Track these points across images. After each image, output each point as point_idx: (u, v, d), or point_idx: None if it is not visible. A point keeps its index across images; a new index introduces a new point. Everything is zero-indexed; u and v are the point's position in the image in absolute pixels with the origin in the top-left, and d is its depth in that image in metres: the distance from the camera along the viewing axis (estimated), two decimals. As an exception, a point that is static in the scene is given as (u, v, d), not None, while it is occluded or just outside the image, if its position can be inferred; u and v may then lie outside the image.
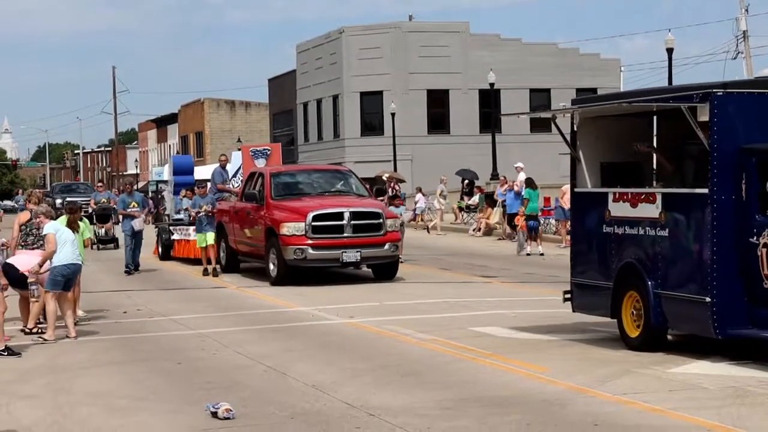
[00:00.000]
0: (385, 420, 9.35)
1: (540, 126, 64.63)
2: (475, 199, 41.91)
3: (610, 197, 13.32)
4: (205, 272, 23.48)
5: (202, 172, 36.12)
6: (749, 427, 8.80)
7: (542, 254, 27.60)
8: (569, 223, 31.10)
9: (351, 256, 20.99)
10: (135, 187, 28.65)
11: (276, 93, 78.88)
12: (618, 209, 13.18)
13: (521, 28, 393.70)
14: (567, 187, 32.96)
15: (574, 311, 14.14)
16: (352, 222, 21.10)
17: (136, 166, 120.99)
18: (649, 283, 12.49)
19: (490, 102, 55.65)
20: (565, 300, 14.27)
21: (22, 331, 15.31)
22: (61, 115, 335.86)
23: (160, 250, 28.81)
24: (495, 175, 43.31)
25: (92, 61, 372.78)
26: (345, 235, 21.07)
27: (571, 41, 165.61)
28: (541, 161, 57.27)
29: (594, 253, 13.76)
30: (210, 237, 23.48)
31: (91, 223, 33.33)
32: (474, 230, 37.99)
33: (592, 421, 9.16)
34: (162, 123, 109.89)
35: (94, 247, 32.06)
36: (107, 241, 33.51)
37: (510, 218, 34.25)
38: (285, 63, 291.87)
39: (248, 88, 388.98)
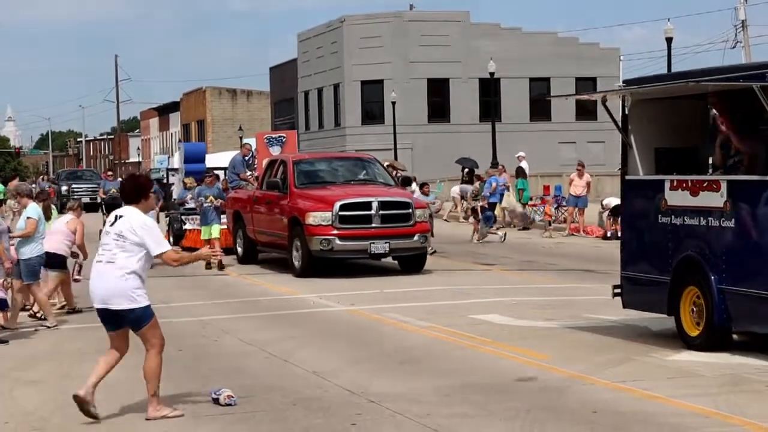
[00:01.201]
0: (385, 406, 9.42)
1: (540, 115, 64.74)
2: (476, 187, 41.92)
3: (667, 185, 12.37)
4: (208, 266, 22.00)
5: (213, 160, 34.53)
6: (747, 414, 8.87)
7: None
8: (576, 210, 31.64)
9: (379, 247, 20.28)
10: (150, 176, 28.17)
11: (277, 82, 78.86)
12: (676, 198, 12.23)
13: (521, 17, 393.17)
14: (574, 175, 33.14)
15: (624, 307, 13.25)
16: (381, 212, 20.42)
17: (139, 154, 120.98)
18: (712, 277, 11.54)
19: (490, 91, 55.65)
20: (615, 295, 13.31)
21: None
22: (64, 103, 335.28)
23: (170, 239, 27.77)
24: (495, 164, 43.29)
25: (95, 49, 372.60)
26: (373, 225, 20.39)
27: (571, 31, 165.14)
28: (541, 150, 57.37)
29: (648, 245, 12.80)
30: (215, 230, 22.62)
31: (101, 212, 33.24)
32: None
33: (591, 408, 9.23)
34: (164, 111, 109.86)
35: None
36: None
37: (491, 207, 34.80)
38: (286, 52, 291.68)
39: (250, 77, 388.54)
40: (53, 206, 17.98)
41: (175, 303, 17.19)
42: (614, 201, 30.38)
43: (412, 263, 21.21)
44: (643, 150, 12.99)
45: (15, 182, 41.45)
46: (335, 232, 20.18)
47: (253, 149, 28.34)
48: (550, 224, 31.67)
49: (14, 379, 11.16)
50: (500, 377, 10.69)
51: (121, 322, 9.26)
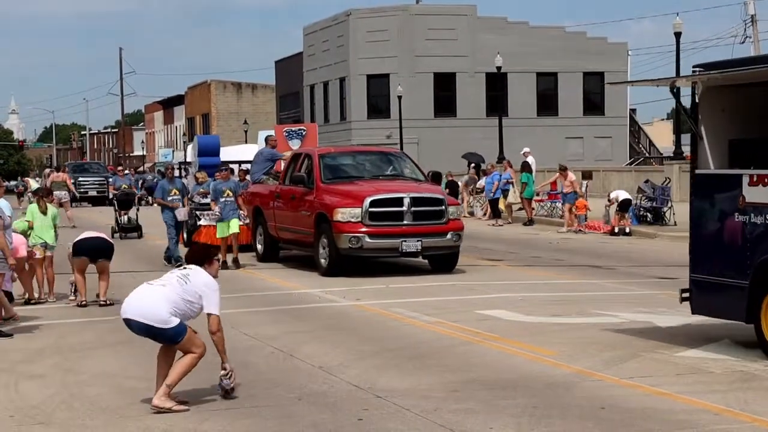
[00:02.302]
0: (391, 402, 9.36)
1: (546, 110, 64.66)
2: (481, 182, 41.88)
3: (746, 180, 11.33)
4: (225, 265, 20.17)
5: (229, 153, 32.65)
6: (756, 411, 8.81)
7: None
8: (572, 207, 31.56)
9: (411, 245, 19.40)
10: (176, 172, 26.31)
11: (283, 75, 78.83)
12: (756, 194, 11.20)
13: (528, 11, 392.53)
14: (570, 172, 33.09)
15: (693, 313, 12.23)
16: (413, 208, 19.50)
17: (143, 148, 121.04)
18: None
19: (496, 85, 55.58)
20: (683, 300, 12.25)
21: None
22: (68, 96, 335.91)
23: (184, 235, 26.35)
24: (501, 159, 43.25)
25: (99, 43, 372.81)
26: (405, 222, 19.49)
27: (579, 25, 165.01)
28: (547, 145, 57.31)
29: (722, 245, 11.75)
30: (234, 225, 21.51)
31: (114, 208, 31.45)
32: (483, 214, 38.00)
33: (599, 404, 9.17)
34: (168, 104, 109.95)
35: (116, 235, 29.73)
36: (130, 229, 30.72)
37: (495, 202, 35.08)
38: (292, 45, 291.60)
39: (255, 70, 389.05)
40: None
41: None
42: (622, 194, 30.34)
43: (443, 263, 20.35)
44: (715, 142, 12.10)
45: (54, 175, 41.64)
46: (365, 229, 19.28)
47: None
48: (580, 219, 31.54)
49: (19, 373, 11.12)
50: (507, 373, 10.63)
51: (156, 338, 9.50)
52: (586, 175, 39.01)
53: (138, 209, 30.92)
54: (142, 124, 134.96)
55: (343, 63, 64.24)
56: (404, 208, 19.49)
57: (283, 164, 24.41)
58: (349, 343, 12.71)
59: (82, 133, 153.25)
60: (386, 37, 62.56)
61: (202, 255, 9.81)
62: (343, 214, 19.35)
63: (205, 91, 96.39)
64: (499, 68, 51.64)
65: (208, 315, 9.49)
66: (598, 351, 11.75)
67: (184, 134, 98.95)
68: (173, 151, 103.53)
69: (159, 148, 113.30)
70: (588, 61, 64.21)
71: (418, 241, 19.45)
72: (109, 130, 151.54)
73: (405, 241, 19.38)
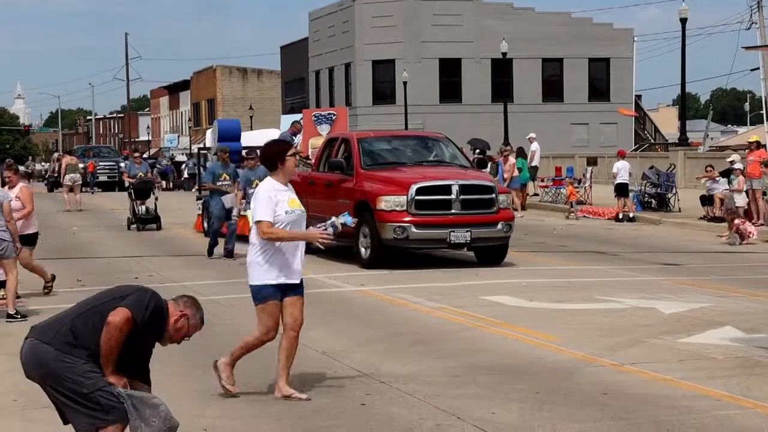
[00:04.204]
0: (395, 387, 9.39)
1: (552, 96, 64.56)
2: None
3: None
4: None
5: (250, 139, 30.54)
6: (758, 397, 8.83)
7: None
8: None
9: (460, 236, 18.26)
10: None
11: (288, 61, 78.78)
12: None
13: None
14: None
15: None
16: (461, 197, 18.37)
17: (148, 133, 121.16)
18: None
19: (502, 71, 55.51)
20: None
21: None
22: (74, 81, 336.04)
23: (205, 224, 25.11)
24: (506, 145, 43.22)
25: (105, 28, 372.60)
26: (453, 211, 18.36)
27: (584, 11, 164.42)
28: (552, 131, 57.26)
29: None
30: None
31: (130, 198, 28.85)
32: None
33: (601, 390, 9.19)
34: (174, 90, 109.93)
35: (133, 227, 28.19)
36: (148, 220, 28.49)
37: None
38: (298, 31, 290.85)
39: (261, 56, 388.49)
40: None
41: (186, 282, 17.17)
42: (624, 171, 30.06)
43: (492, 255, 19.16)
44: None
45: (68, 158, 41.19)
46: (410, 218, 18.13)
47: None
48: (572, 206, 31.61)
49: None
50: (510, 359, 10.66)
51: None
52: (591, 162, 39.04)
53: (157, 198, 29.11)
54: (147, 109, 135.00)
55: (348, 49, 64.15)
56: (452, 197, 18.37)
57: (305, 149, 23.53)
58: (353, 328, 12.74)
59: (88, 118, 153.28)
60: (392, 22, 62.44)
61: (268, 160, 9.03)
62: (387, 203, 18.23)
63: (211, 77, 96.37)
64: (504, 54, 51.56)
65: (255, 225, 8.88)
66: (601, 337, 11.77)
67: (189, 119, 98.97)
68: (179, 137, 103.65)
69: (164, 133, 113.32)
70: (594, 47, 64.07)
71: (467, 231, 18.32)
72: (114, 115, 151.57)
73: (453, 231, 18.25)
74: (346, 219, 9.16)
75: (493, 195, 18.81)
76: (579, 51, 63.82)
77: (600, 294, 15.13)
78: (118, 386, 6.30)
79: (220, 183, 20.99)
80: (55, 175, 55.50)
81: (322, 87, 69.62)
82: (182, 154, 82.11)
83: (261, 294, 8.92)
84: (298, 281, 9.04)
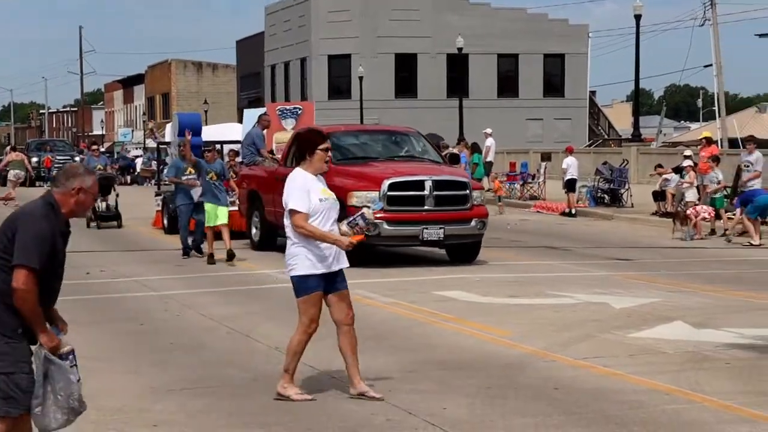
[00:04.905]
0: (347, 382, 9.37)
1: (507, 91, 64.82)
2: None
3: None
4: (211, 260, 18.73)
5: (212, 133, 29.86)
6: (706, 391, 8.92)
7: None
8: None
9: (433, 233, 17.85)
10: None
11: (244, 55, 78.51)
12: None
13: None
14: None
15: None
16: (435, 193, 17.94)
17: (102, 127, 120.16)
18: None
19: (457, 67, 55.64)
20: None
21: None
22: (27, 75, 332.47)
23: (165, 221, 24.77)
24: (461, 140, 43.33)
25: (58, 20, 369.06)
26: (426, 208, 17.92)
27: (540, 7, 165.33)
28: (507, 126, 57.47)
29: None
30: (223, 214, 18.94)
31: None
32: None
33: (553, 385, 9.24)
34: (128, 84, 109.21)
35: (93, 224, 27.12)
36: (109, 218, 27.41)
37: None
38: (253, 25, 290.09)
39: (216, 50, 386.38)
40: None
41: (137, 277, 17.08)
42: (572, 168, 30.52)
43: (464, 253, 18.78)
44: None
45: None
46: (382, 214, 17.43)
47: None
48: (500, 200, 31.88)
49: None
50: (462, 354, 10.69)
51: None
52: (545, 157, 39.21)
53: (118, 194, 28.06)
54: (101, 103, 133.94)
55: (304, 43, 64.03)
56: (426, 192, 17.92)
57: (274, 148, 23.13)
58: (306, 323, 12.69)
59: (41, 112, 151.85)
60: (348, 17, 62.40)
61: (304, 143, 8.85)
62: (358, 198, 17.43)
63: (166, 71, 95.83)
64: (460, 49, 51.68)
65: (289, 214, 8.74)
66: (553, 332, 11.84)
67: (144, 114, 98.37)
68: (133, 131, 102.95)
69: (118, 127, 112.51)
70: (549, 42, 64.40)
71: (440, 228, 17.89)
72: (68, 109, 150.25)
73: (426, 228, 17.84)
74: (375, 204, 9.00)
75: (467, 191, 18.42)
76: (534, 47, 64.11)
77: (552, 289, 15.22)
78: (47, 347, 6.03)
79: (185, 177, 20.22)
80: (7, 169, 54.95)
81: (277, 81, 69.43)
82: (136, 148, 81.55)
83: (305, 285, 8.76)
84: (344, 266, 8.95)
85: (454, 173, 19.19)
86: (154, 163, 63.06)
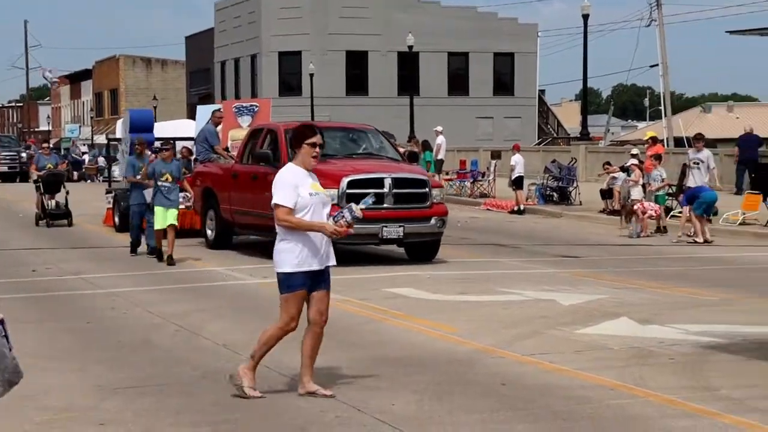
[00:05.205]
0: (296, 380, 9.37)
1: (457, 89, 65.05)
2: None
3: None
4: (170, 261, 18.29)
5: (164, 129, 29.14)
6: (651, 386, 9.03)
7: None
8: None
9: (392, 231, 17.64)
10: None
11: (193, 51, 78.10)
12: None
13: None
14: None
15: None
16: (394, 190, 17.76)
17: (49, 123, 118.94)
18: None
19: (408, 64, 55.74)
20: None
21: None
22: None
23: (116, 219, 24.52)
24: (411, 138, 43.43)
25: (3, 14, 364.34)
26: (385, 206, 17.63)
27: (490, 6, 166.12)
28: (457, 124, 57.68)
29: None
30: (171, 216, 18.48)
31: (38, 192, 26.88)
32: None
33: (500, 381, 9.31)
34: (75, 79, 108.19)
35: (42, 222, 26.74)
36: (59, 216, 26.75)
37: None
38: (203, 21, 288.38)
39: (165, 46, 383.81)
40: None
41: (84, 275, 16.97)
42: (519, 165, 30.97)
43: (423, 252, 18.63)
44: None
45: None
46: None
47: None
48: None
49: None
50: (411, 350, 10.73)
51: None
52: (495, 155, 39.41)
53: (68, 192, 27.39)
54: (48, 98, 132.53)
55: (254, 40, 63.82)
56: (385, 190, 17.68)
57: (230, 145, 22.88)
58: (255, 321, 12.67)
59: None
60: (299, 14, 62.29)
61: (294, 137, 8.76)
62: None
63: (114, 66, 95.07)
64: (410, 47, 51.79)
65: (273, 207, 8.62)
66: (501, 328, 11.92)
67: (91, 109, 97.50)
68: (80, 127, 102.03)
69: (65, 123, 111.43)
70: (499, 41, 64.72)
71: (399, 226, 17.71)
72: (13, 104, 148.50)
73: (386, 226, 17.58)
74: (366, 201, 8.93)
75: (427, 189, 18.29)
76: (484, 45, 64.41)
77: (501, 286, 15.32)
78: None
79: (140, 176, 19.66)
80: None
81: (227, 78, 69.14)
82: (84, 144, 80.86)
83: (289, 282, 8.69)
84: (327, 265, 8.88)
85: (414, 171, 19.06)
86: (100, 159, 62.90)
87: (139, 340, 11.49)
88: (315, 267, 8.74)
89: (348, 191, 17.35)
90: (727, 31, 34.18)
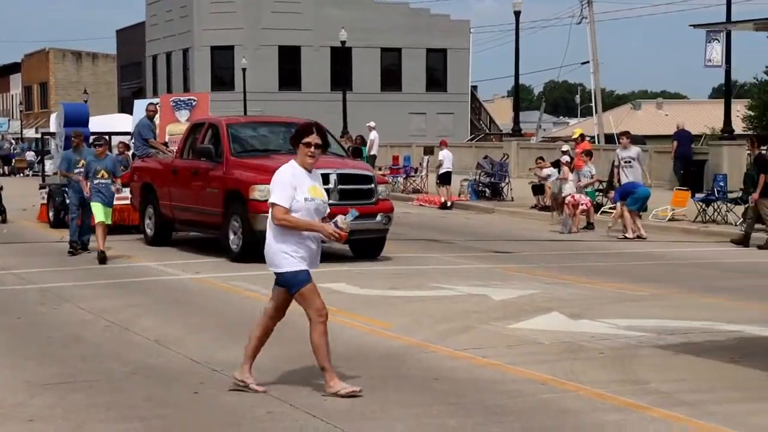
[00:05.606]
0: (228, 375, 9.33)
1: (390, 85, 65.15)
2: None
3: None
4: (97, 256, 17.81)
5: (99, 124, 28.49)
6: (581, 380, 9.13)
7: None
8: None
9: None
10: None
11: (124, 45, 77.34)
12: None
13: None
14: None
15: None
16: (339, 187, 17.52)
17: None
18: None
19: (340, 60, 55.71)
20: None
21: None
22: None
23: (50, 215, 24.13)
24: (345, 133, 43.43)
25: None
26: (330, 202, 17.85)
27: (422, 2, 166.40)
28: (390, 120, 57.77)
29: None
30: (107, 213, 18.22)
31: None
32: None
33: (433, 375, 9.35)
34: (4, 72, 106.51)
35: None
36: None
37: None
38: (134, 15, 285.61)
39: (96, 39, 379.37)
40: None
41: (14, 270, 16.74)
42: (447, 161, 31.29)
43: (369, 248, 18.34)
44: None
45: None
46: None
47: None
48: None
49: None
50: (344, 346, 10.72)
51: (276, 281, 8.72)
52: (428, 151, 39.54)
53: (2, 188, 26.51)
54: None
55: (187, 34, 63.36)
56: (330, 186, 17.08)
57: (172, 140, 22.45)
58: (187, 316, 12.63)
59: None
60: (231, 8, 61.97)
61: (294, 135, 8.81)
62: (261, 192, 16.77)
63: (44, 60, 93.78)
64: (343, 43, 51.76)
65: (270, 206, 8.58)
66: (434, 323, 11.98)
67: (21, 103, 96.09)
68: (9, 121, 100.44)
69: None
70: (431, 37, 64.94)
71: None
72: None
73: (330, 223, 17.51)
74: (351, 213, 8.79)
75: (372, 185, 18.13)
76: (417, 41, 64.59)
77: (433, 281, 15.38)
78: None
79: (77, 170, 19.02)
80: None
81: (159, 72, 68.56)
82: (13, 139, 79.64)
83: (298, 279, 8.58)
84: (317, 268, 8.80)
85: (359, 167, 18.85)
86: (29, 153, 62.03)
87: (70, 335, 11.36)
88: (311, 268, 8.72)
89: None
90: (690, 25, 34.58)
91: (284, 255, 8.57)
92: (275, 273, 8.69)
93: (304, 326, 11.84)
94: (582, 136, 28.70)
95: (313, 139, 8.72)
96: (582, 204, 23.69)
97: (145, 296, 14.23)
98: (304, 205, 8.61)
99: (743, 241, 20.66)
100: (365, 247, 18.41)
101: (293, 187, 8.58)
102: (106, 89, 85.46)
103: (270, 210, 8.60)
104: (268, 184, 16.82)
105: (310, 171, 8.75)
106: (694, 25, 30.63)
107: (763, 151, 23.60)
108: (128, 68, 75.98)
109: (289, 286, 8.66)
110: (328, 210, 8.96)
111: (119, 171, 19.22)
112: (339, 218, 8.81)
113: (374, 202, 18.03)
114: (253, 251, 17.11)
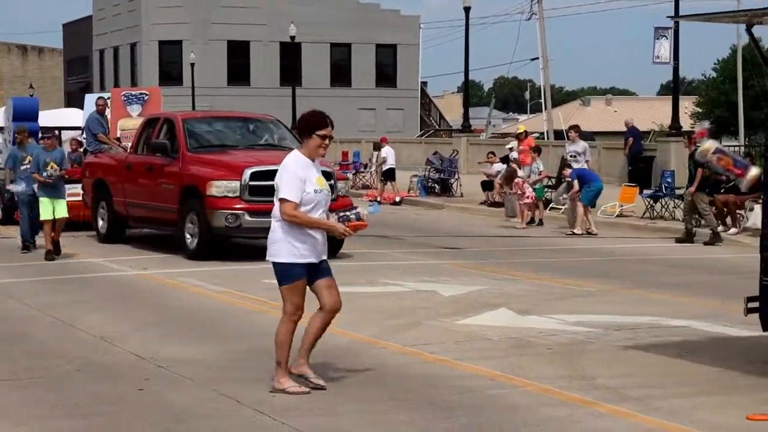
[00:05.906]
0: (173, 371, 9.27)
1: (340, 81, 65.08)
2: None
3: None
4: (49, 255, 17.45)
5: (48, 118, 27.72)
6: (528, 375, 9.14)
7: None
8: None
9: None
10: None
11: (71, 39, 76.66)
12: None
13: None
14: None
15: (765, 329, 9.36)
16: None
17: None
18: None
19: (290, 55, 55.56)
20: (750, 312, 9.42)
21: None
22: None
23: None
24: (294, 128, 43.36)
25: None
26: None
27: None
28: (340, 115, 57.60)
29: None
30: (62, 207, 17.81)
31: None
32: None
33: (381, 371, 9.32)
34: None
35: None
36: None
37: None
38: (81, 8, 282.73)
39: (41, 33, 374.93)
40: None
41: (-44, 266, 16.50)
42: (390, 158, 31.53)
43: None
44: None
45: None
46: (244, 205, 16.72)
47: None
48: None
49: None
50: (293, 341, 10.66)
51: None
52: (377, 147, 39.51)
53: None
54: None
55: (134, 28, 62.87)
56: None
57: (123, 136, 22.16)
58: (133, 312, 12.51)
59: None
60: (179, 2, 61.59)
61: (303, 125, 8.54)
62: (218, 188, 16.77)
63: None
64: (293, 38, 51.61)
65: (280, 202, 8.40)
66: (382, 319, 11.95)
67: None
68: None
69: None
70: (381, 33, 64.95)
71: None
72: None
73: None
74: (375, 208, 8.72)
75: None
76: (366, 36, 64.57)
77: (383, 277, 15.36)
78: None
79: (23, 167, 18.52)
80: None
81: (106, 67, 67.99)
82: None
83: (290, 273, 8.47)
84: (324, 258, 8.66)
85: (319, 163, 18.65)
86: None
87: (14, 332, 11.21)
88: (312, 260, 8.57)
89: (251, 183, 16.85)
90: (668, 17, 34.31)
91: (288, 246, 8.46)
92: (272, 263, 8.56)
93: (251, 322, 11.79)
94: (526, 133, 28.82)
95: (329, 131, 8.58)
96: (527, 196, 23.64)
97: (92, 292, 14.09)
98: (314, 197, 8.50)
99: (687, 238, 20.79)
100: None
101: (303, 180, 8.45)
102: (52, 84, 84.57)
103: (279, 205, 8.47)
104: (226, 180, 17.11)
105: (312, 161, 8.60)
106: (673, 17, 30.49)
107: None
108: (75, 62, 75.28)
109: (279, 278, 8.59)
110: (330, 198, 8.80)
111: (67, 164, 18.80)
112: (360, 209, 8.80)
113: (333, 199, 17.80)
114: (209, 248, 17.23)
